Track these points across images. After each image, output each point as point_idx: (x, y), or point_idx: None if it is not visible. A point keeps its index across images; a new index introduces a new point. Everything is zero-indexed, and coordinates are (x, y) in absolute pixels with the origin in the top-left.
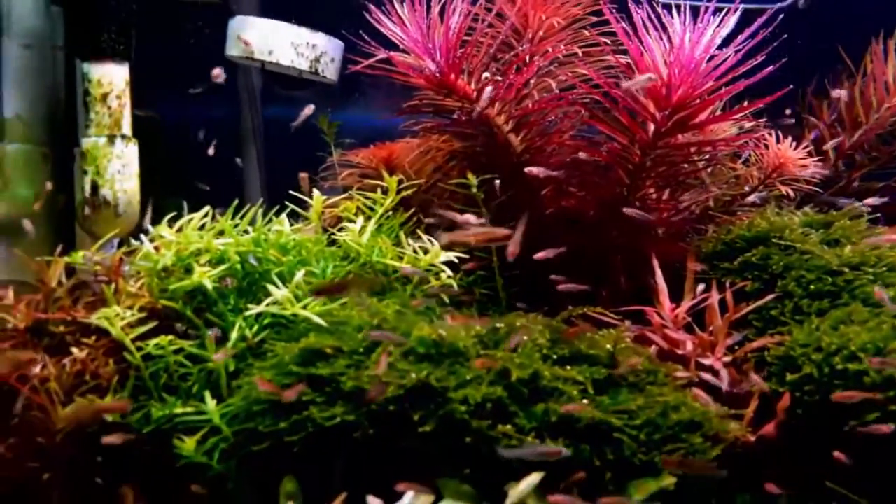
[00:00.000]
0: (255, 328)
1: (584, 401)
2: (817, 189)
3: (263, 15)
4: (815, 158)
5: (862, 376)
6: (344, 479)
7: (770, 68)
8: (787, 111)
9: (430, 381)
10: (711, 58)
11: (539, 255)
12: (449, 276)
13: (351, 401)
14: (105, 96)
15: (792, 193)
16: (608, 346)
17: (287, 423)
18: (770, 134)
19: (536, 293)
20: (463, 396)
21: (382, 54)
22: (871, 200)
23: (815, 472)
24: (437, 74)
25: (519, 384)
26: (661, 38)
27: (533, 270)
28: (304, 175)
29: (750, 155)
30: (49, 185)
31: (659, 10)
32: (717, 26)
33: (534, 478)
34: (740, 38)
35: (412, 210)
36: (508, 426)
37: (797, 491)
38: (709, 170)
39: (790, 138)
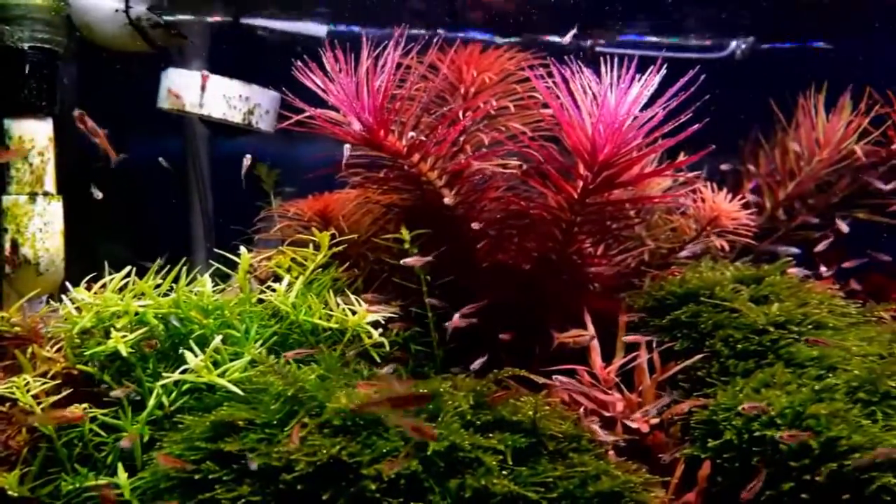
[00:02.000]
0: (174, 395)
1: (503, 472)
2: (752, 241)
3: (210, 66)
4: (750, 210)
5: (779, 444)
6: None
7: (696, 126)
8: (722, 166)
9: (341, 457)
10: (638, 116)
11: (451, 323)
12: (381, 334)
13: (259, 479)
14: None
15: (727, 246)
16: (530, 412)
17: (192, 502)
18: (705, 186)
19: (472, 349)
20: (376, 472)
21: (312, 111)
22: (819, 247)
23: None
24: (364, 132)
25: (436, 457)
26: (587, 97)
27: (469, 326)
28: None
29: (687, 208)
30: None
31: (586, 69)
32: (643, 85)
33: None
34: (668, 93)
35: (347, 264)
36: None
37: None
38: (644, 224)
39: (725, 190)
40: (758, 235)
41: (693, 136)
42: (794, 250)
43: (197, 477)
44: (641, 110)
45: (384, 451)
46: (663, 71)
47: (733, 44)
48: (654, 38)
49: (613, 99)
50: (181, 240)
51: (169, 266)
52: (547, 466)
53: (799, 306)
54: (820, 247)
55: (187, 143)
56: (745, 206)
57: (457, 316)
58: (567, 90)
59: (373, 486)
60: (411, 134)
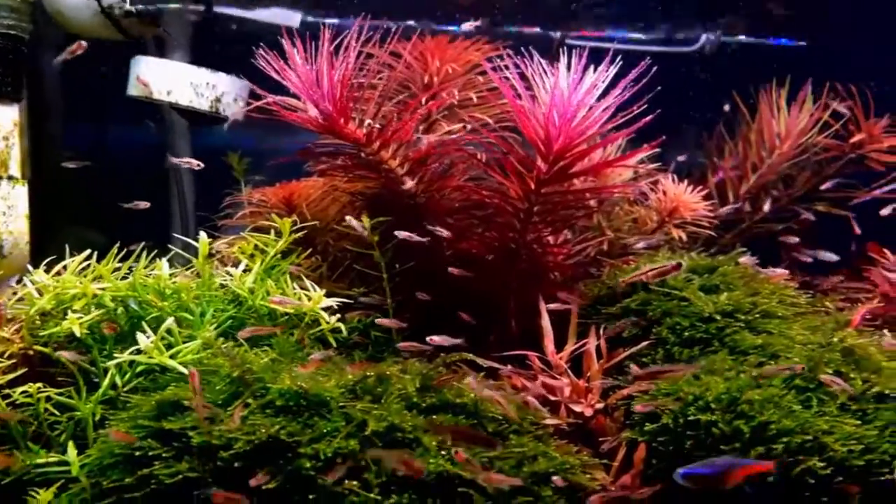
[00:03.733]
0: (128, 376)
1: (442, 453)
2: (712, 232)
3: (194, 57)
4: (711, 202)
5: (711, 427)
6: None
7: (650, 117)
8: (679, 157)
9: (280, 436)
10: (594, 105)
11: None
12: (340, 320)
13: (199, 457)
14: None
15: (685, 237)
16: (473, 395)
17: (133, 478)
18: (666, 178)
19: (430, 334)
20: (313, 451)
21: (271, 98)
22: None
23: None
24: (323, 120)
25: (375, 437)
26: (543, 87)
27: (427, 312)
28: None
29: (649, 199)
30: None
31: (544, 61)
32: (597, 75)
33: None
34: (622, 84)
35: (310, 251)
36: (354, 482)
37: None
38: (604, 214)
39: (685, 182)
40: (722, 227)
41: (659, 129)
42: (834, 257)
43: (138, 454)
44: (601, 99)
45: (325, 431)
46: (619, 62)
47: (703, 38)
48: (630, 34)
49: (567, 88)
50: (159, 228)
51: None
52: (486, 447)
53: (749, 296)
54: (791, 239)
55: (166, 132)
56: (706, 197)
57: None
58: (522, 80)
59: (308, 465)
60: (368, 121)
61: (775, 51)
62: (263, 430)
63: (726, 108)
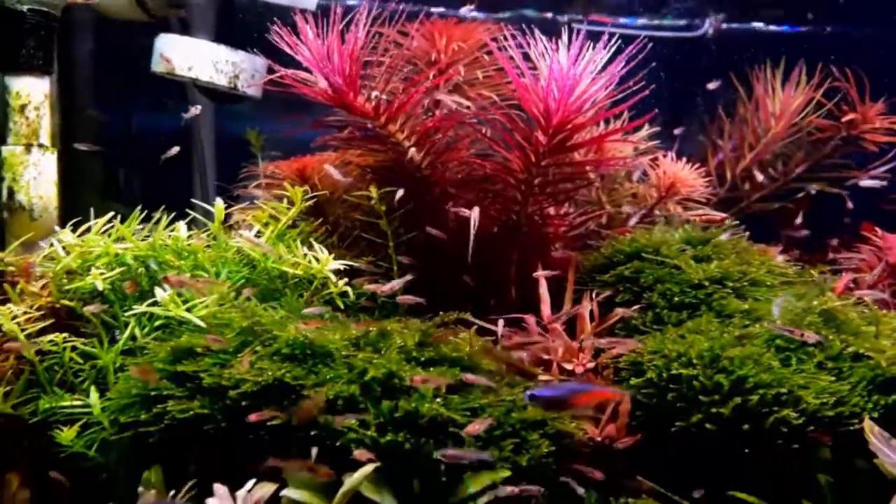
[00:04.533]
0: (147, 329)
1: (437, 399)
2: (708, 208)
3: (218, 35)
4: (707, 179)
5: (692, 380)
6: (200, 467)
7: (645, 93)
8: (675, 130)
9: (285, 379)
10: (591, 81)
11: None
12: (347, 285)
13: (210, 396)
14: (23, 108)
15: (682, 212)
16: (468, 349)
17: (148, 415)
18: (664, 155)
19: (435, 301)
20: (315, 393)
21: (285, 72)
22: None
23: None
24: (333, 92)
25: (374, 383)
26: (545, 64)
27: (432, 279)
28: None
29: (649, 176)
30: None
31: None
32: (594, 53)
33: (367, 468)
34: (619, 60)
35: (321, 220)
36: (352, 419)
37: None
38: (604, 189)
39: (686, 161)
40: (722, 206)
41: (661, 111)
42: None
43: (153, 394)
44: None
45: (328, 377)
46: (617, 41)
47: (706, 23)
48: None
49: (566, 63)
50: (181, 199)
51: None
52: (478, 396)
53: (739, 265)
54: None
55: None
56: (704, 175)
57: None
58: (524, 57)
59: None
60: (375, 94)
61: (774, 35)
62: (270, 374)
63: (710, 85)
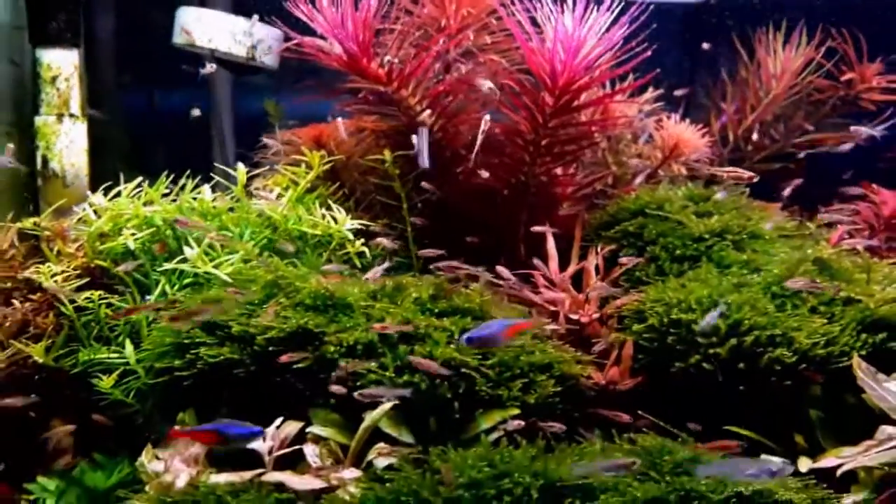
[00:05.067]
0: (177, 287)
1: (450, 345)
2: (710, 168)
3: (236, 6)
4: (710, 139)
5: (691, 324)
6: (230, 409)
7: (647, 53)
8: (677, 91)
9: (308, 326)
10: (597, 42)
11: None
12: (363, 244)
13: (238, 343)
14: (54, 79)
15: (685, 171)
16: (479, 299)
17: (182, 361)
18: (668, 116)
19: (448, 260)
20: (337, 340)
21: (301, 38)
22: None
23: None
24: (347, 58)
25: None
26: (550, 27)
27: (445, 239)
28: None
29: (653, 137)
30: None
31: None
32: (599, 14)
33: (386, 405)
34: (622, 25)
35: (338, 184)
36: (372, 363)
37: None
38: (610, 151)
39: (688, 122)
40: (725, 165)
41: (665, 73)
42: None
43: (186, 341)
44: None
45: (347, 325)
46: (618, 7)
47: None
48: None
49: (570, 25)
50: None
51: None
52: None
53: (739, 219)
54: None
55: (209, 83)
56: (705, 135)
57: None
58: (531, 22)
59: (332, 349)
60: (388, 58)
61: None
62: (294, 321)
63: (705, 46)
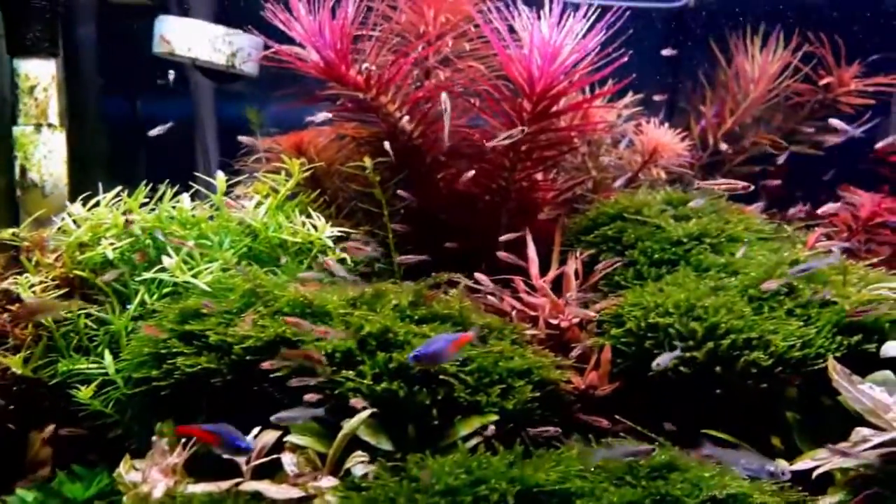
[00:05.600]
0: (156, 296)
1: None
2: (688, 171)
3: (215, 15)
4: (688, 143)
5: (668, 328)
6: (208, 419)
7: (624, 59)
8: (655, 97)
9: (286, 335)
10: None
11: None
12: (343, 249)
13: (215, 352)
14: (32, 89)
15: (664, 175)
16: (458, 306)
17: (159, 371)
18: (647, 121)
19: (429, 265)
20: (315, 348)
21: (279, 47)
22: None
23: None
24: (325, 65)
25: (370, 338)
26: (527, 35)
27: (427, 245)
28: None
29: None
30: None
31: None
32: (574, 21)
33: (364, 413)
34: (599, 32)
35: (319, 192)
36: (350, 371)
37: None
38: (590, 156)
39: (666, 126)
40: (706, 170)
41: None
42: None
43: (163, 351)
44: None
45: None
46: (592, 12)
47: None
48: None
49: (547, 31)
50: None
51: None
52: (467, 348)
53: (717, 223)
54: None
55: (191, 91)
56: (684, 139)
57: None
58: (509, 30)
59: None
60: (366, 65)
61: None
62: (272, 330)
63: (665, 52)
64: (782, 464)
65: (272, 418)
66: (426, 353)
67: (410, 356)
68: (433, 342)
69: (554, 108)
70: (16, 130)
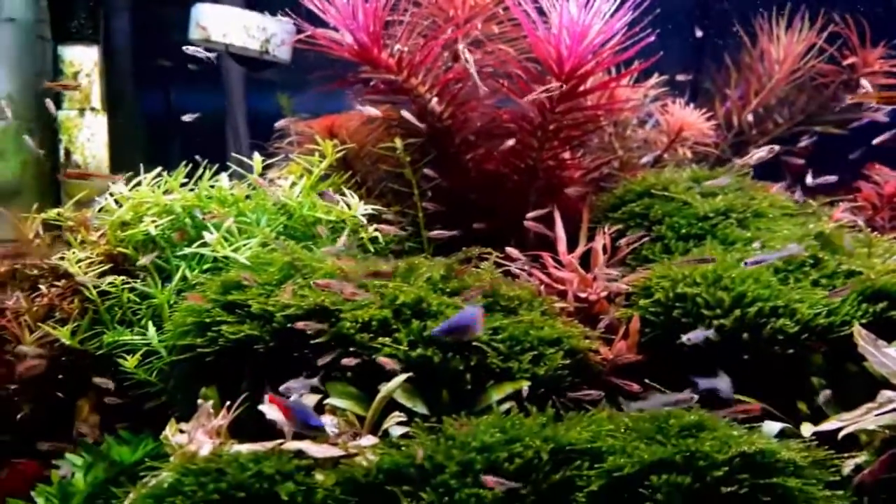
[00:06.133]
0: (196, 271)
1: None
2: (716, 151)
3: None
4: (714, 123)
5: (696, 297)
6: (251, 384)
7: (651, 38)
8: (679, 76)
9: (325, 304)
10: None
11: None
12: (375, 229)
13: (258, 320)
14: (76, 75)
15: (690, 154)
16: (489, 278)
17: (204, 339)
18: (673, 101)
19: (459, 244)
20: (353, 317)
21: (314, 32)
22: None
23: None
24: (358, 48)
25: (404, 307)
26: (556, 15)
27: (456, 224)
28: None
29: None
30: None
31: None
32: (602, 2)
33: (400, 377)
34: (627, 11)
35: (350, 173)
36: (387, 338)
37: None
38: (617, 136)
39: (692, 106)
40: (732, 151)
41: (665, 62)
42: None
43: (207, 320)
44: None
45: (363, 303)
46: None
47: None
48: None
49: (575, 11)
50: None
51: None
52: (498, 317)
53: (743, 199)
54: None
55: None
56: (710, 119)
57: None
58: (538, 11)
59: (348, 325)
60: (397, 47)
61: None
62: (311, 299)
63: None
64: (808, 427)
65: (281, 388)
66: (442, 329)
67: (435, 331)
68: (450, 320)
69: (581, 88)
70: (61, 114)
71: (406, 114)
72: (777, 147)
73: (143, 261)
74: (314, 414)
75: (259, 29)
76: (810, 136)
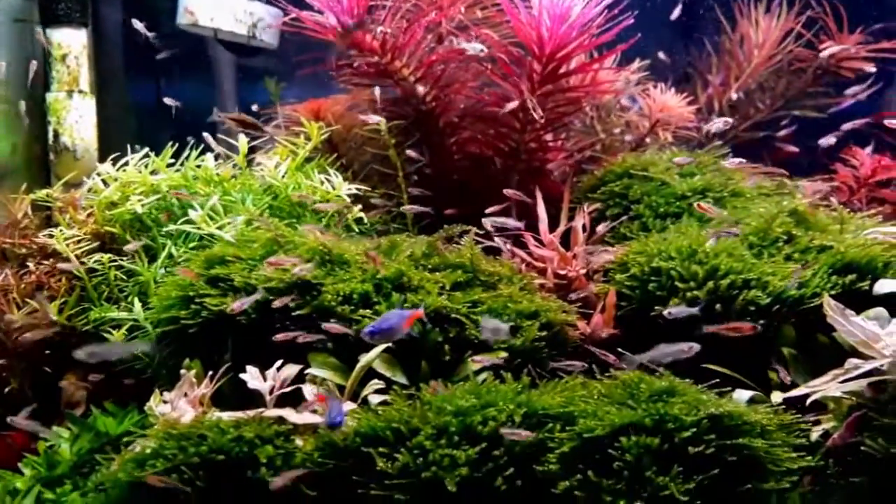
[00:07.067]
0: (182, 249)
1: (441, 296)
2: (694, 135)
3: None
4: (695, 107)
5: (671, 271)
6: (234, 356)
7: (630, 21)
8: (660, 54)
9: (306, 278)
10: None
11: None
12: (360, 210)
13: (241, 293)
14: (64, 57)
15: (671, 138)
16: (469, 254)
17: (187, 311)
18: (655, 86)
19: (441, 224)
20: (335, 290)
21: (300, 14)
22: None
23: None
24: (343, 31)
25: (385, 281)
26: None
27: (440, 205)
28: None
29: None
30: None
31: None
32: None
33: (379, 347)
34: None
35: (336, 156)
36: (368, 310)
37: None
38: (599, 120)
39: (672, 90)
40: (712, 136)
41: (644, 46)
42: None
43: (192, 294)
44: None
45: (344, 278)
46: None
47: None
48: None
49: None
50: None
51: None
52: (478, 291)
53: (721, 177)
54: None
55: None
56: (691, 104)
57: None
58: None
59: (329, 298)
60: (381, 28)
61: None
62: (293, 274)
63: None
64: (777, 395)
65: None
66: (380, 328)
67: (365, 331)
68: (386, 318)
69: (563, 70)
70: (49, 97)
71: (376, 91)
72: (730, 119)
73: (129, 247)
74: (342, 412)
75: (246, 13)
76: (790, 120)
